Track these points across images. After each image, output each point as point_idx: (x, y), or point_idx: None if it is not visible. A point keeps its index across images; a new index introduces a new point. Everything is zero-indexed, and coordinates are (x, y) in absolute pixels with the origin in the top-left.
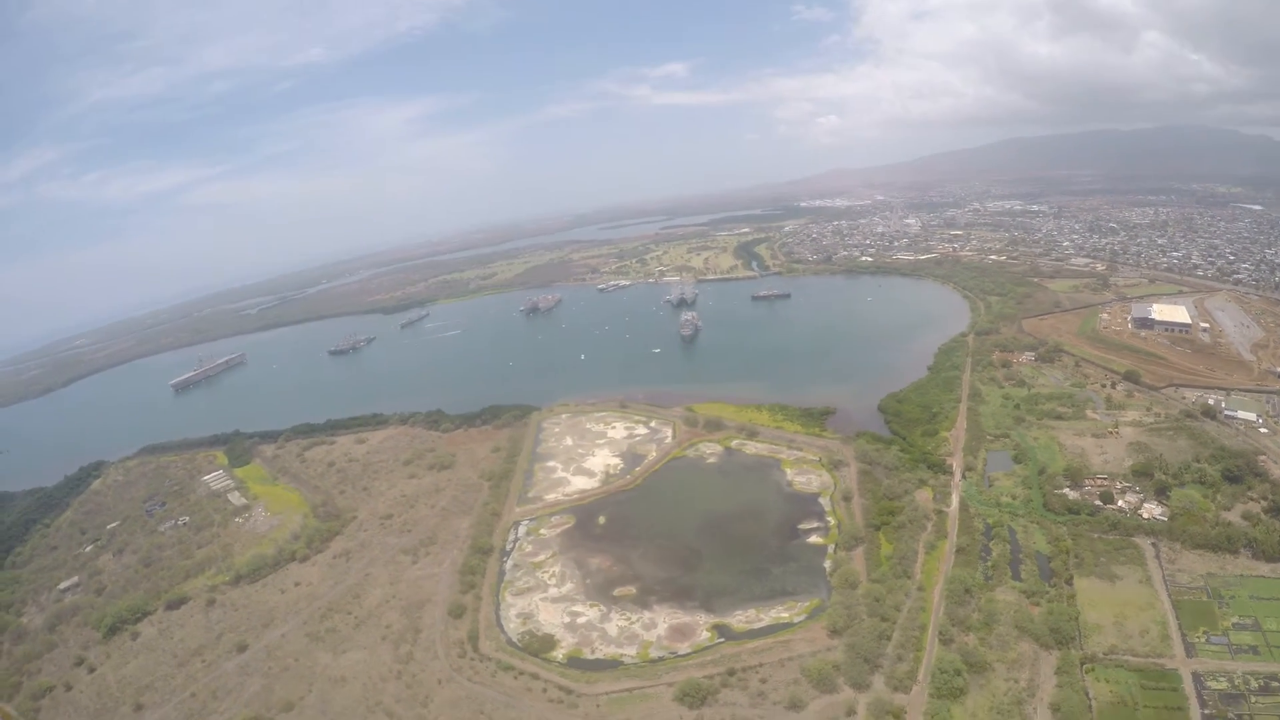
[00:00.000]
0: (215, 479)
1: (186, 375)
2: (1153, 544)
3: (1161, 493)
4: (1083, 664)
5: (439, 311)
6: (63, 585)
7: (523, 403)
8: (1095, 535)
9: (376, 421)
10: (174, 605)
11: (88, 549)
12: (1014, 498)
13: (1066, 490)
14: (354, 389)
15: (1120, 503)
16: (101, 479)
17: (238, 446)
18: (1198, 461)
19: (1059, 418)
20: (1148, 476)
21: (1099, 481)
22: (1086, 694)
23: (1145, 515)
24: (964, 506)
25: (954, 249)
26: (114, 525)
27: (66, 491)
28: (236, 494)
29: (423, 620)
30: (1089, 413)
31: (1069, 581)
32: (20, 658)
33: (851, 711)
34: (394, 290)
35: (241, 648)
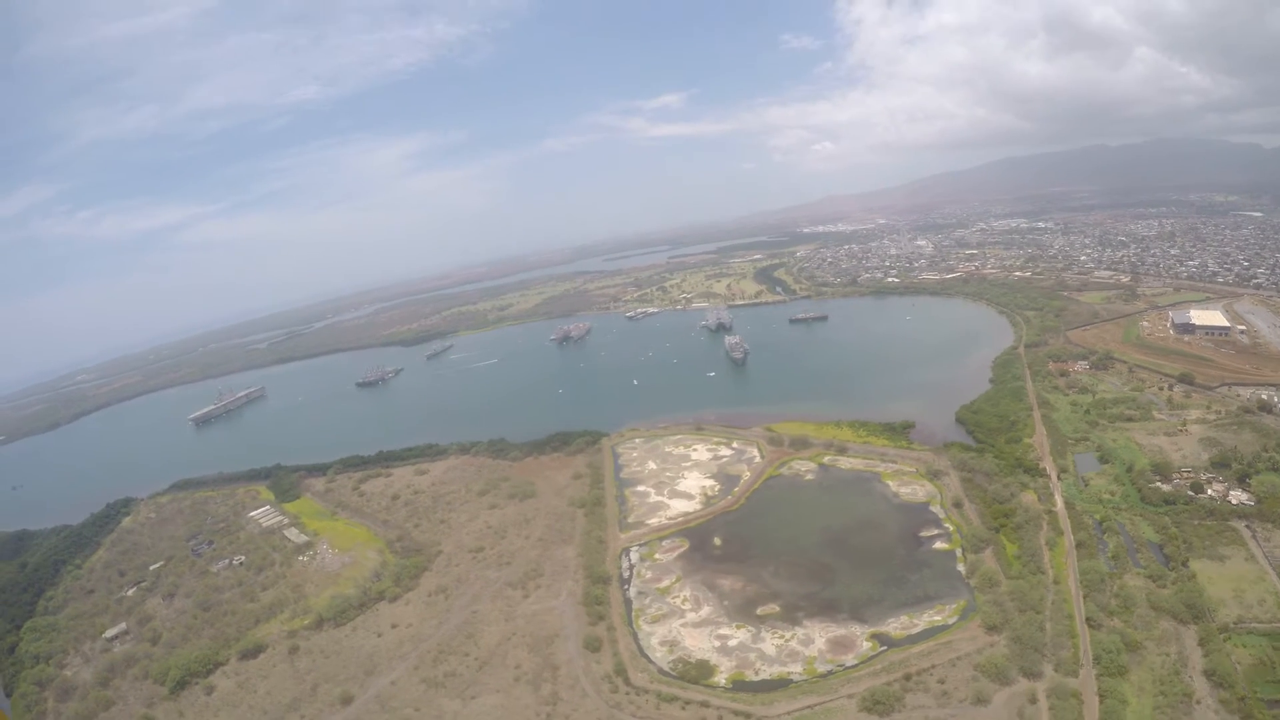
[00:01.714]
0: (264, 515)
1: (206, 409)
2: (1247, 526)
3: (1242, 481)
4: (1220, 634)
5: (462, 343)
6: (109, 633)
7: (586, 429)
8: (1195, 522)
9: (434, 452)
10: (250, 654)
11: (130, 592)
12: (1112, 494)
13: (1159, 484)
14: (393, 420)
15: (1210, 492)
16: (132, 516)
17: (283, 481)
18: (1266, 451)
19: (1129, 420)
20: (1226, 467)
21: (1186, 474)
22: (1230, 659)
23: (1234, 501)
24: (1069, 505)
25: (976, 268)
26: (158, 566)
27: (96, 529)
28: (294, 530)
29: (556, 656)
30: (1155, 414)
31: (1185, 564)
32: (72, 718)
33: (1034, 699)
34: (408, 323)
35: (346, 699)
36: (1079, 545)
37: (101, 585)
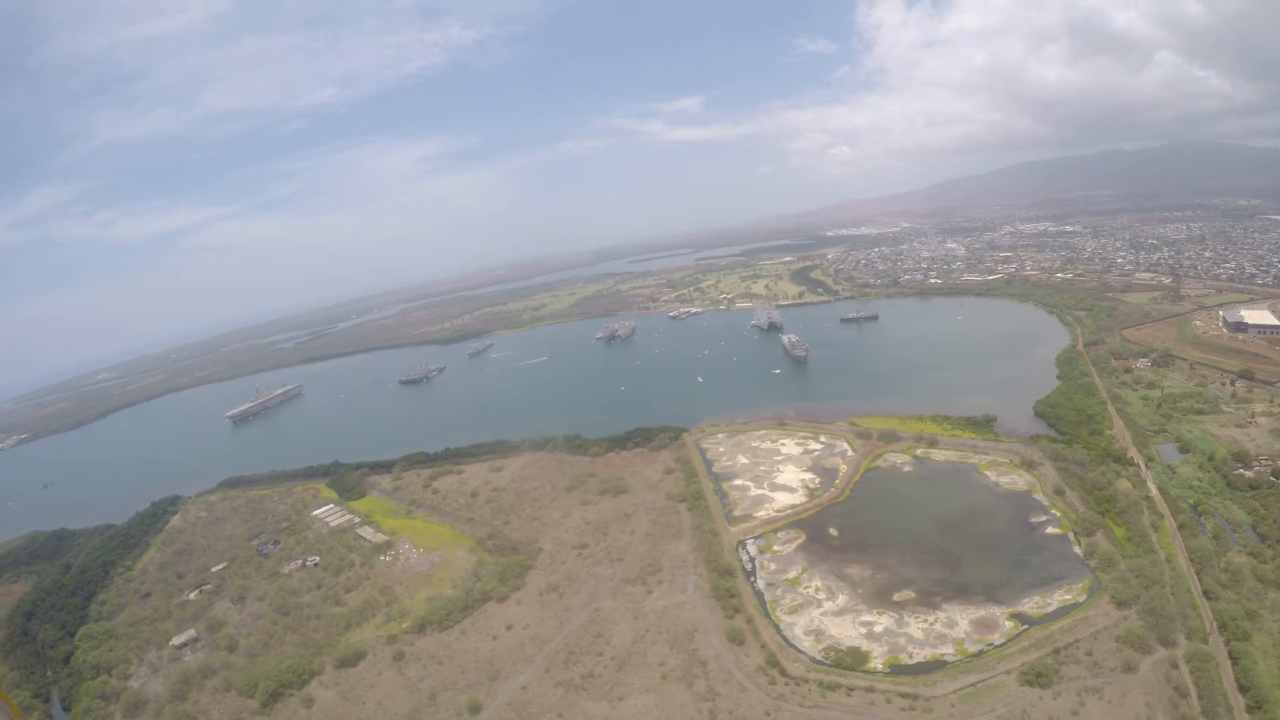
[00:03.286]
0: (330, 514)
1: (244, 406)
2: None
3: None
4: None
5: (502, 342)
6: (177, 641)
7: (663, 425)
8: None
9: (506, 449)
10: (349, 662)
11: (192, 595)
12: (1200, 480)
13: (1242, 471)
14: (447, 417)
15: None
16: (181, 515)
17: (346, 478)
18: None
19: (1200, 413)
20: None
21: (1264, 461)
22: None
23: None
24: (1163, 491)
25: (1015, 270)
26: (221, 567)
27: (144, 529)
28: (368, 529)
29: (701, 651)
30: (1223, 407)
31: (1279, 542)
32: None
33: (1175, 665)
34: (439, 323)
35: (474, 708)
36: (1181, 527)
37: (159, 588)
